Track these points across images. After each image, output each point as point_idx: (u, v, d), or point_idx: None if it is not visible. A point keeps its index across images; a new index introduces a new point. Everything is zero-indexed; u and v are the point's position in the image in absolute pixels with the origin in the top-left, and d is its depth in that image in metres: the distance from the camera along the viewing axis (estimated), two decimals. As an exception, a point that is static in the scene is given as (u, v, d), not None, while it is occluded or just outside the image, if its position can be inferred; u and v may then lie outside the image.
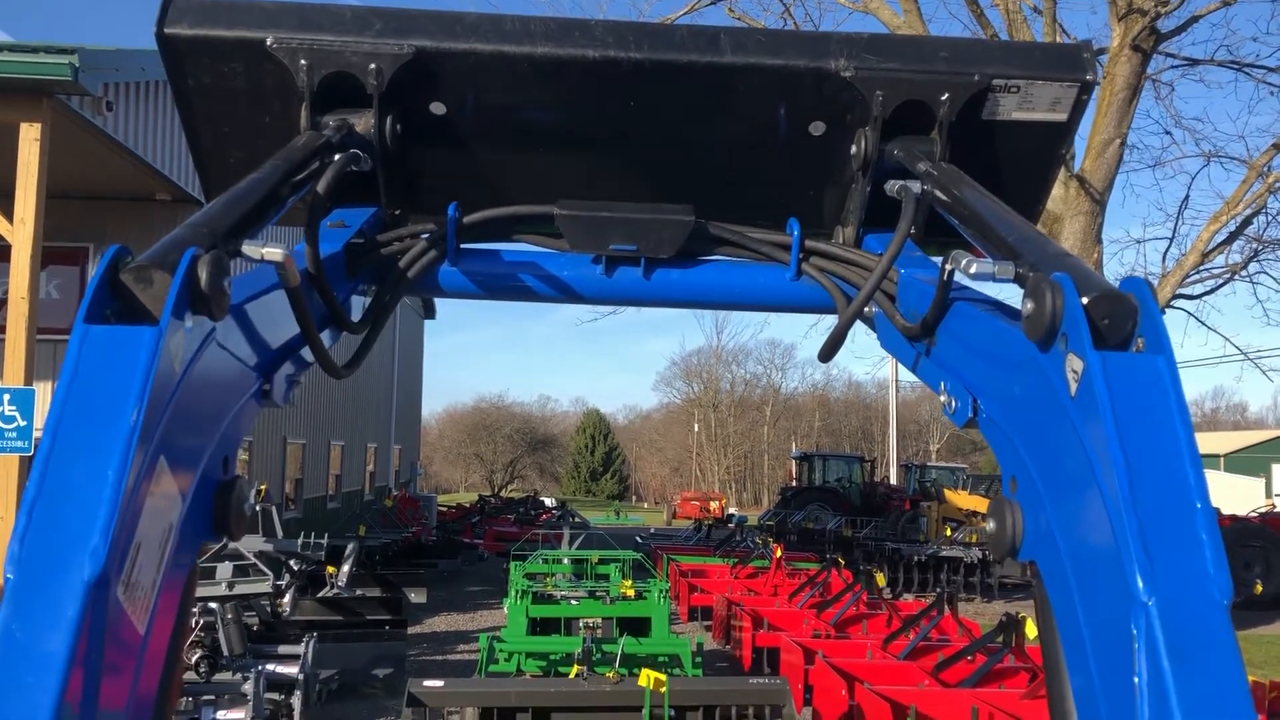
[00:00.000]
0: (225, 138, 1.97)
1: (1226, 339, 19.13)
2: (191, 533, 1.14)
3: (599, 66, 1.82)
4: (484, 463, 74.41)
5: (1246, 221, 15.54)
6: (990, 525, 1.25)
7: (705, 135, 1.92)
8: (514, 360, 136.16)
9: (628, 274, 1.88)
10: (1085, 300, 1.15)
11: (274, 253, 1.37)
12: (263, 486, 14.88)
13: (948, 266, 1.47)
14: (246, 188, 1.51)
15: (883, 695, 7.46)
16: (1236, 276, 16.55)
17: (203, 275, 1.15)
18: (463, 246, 1.85)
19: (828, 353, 1.83)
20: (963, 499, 27.91)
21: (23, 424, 9.51)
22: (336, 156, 1.74)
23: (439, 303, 37.57)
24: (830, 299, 1.84)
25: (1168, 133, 33.02)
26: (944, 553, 19.31)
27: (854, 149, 1.85)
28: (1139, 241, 35.01)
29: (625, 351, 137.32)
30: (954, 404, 1.46)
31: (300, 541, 12.49)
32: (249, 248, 1.35)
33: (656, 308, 1.85)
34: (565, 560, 13.92)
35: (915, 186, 1.74)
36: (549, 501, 34.79)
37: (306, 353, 1.58)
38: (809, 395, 76.32)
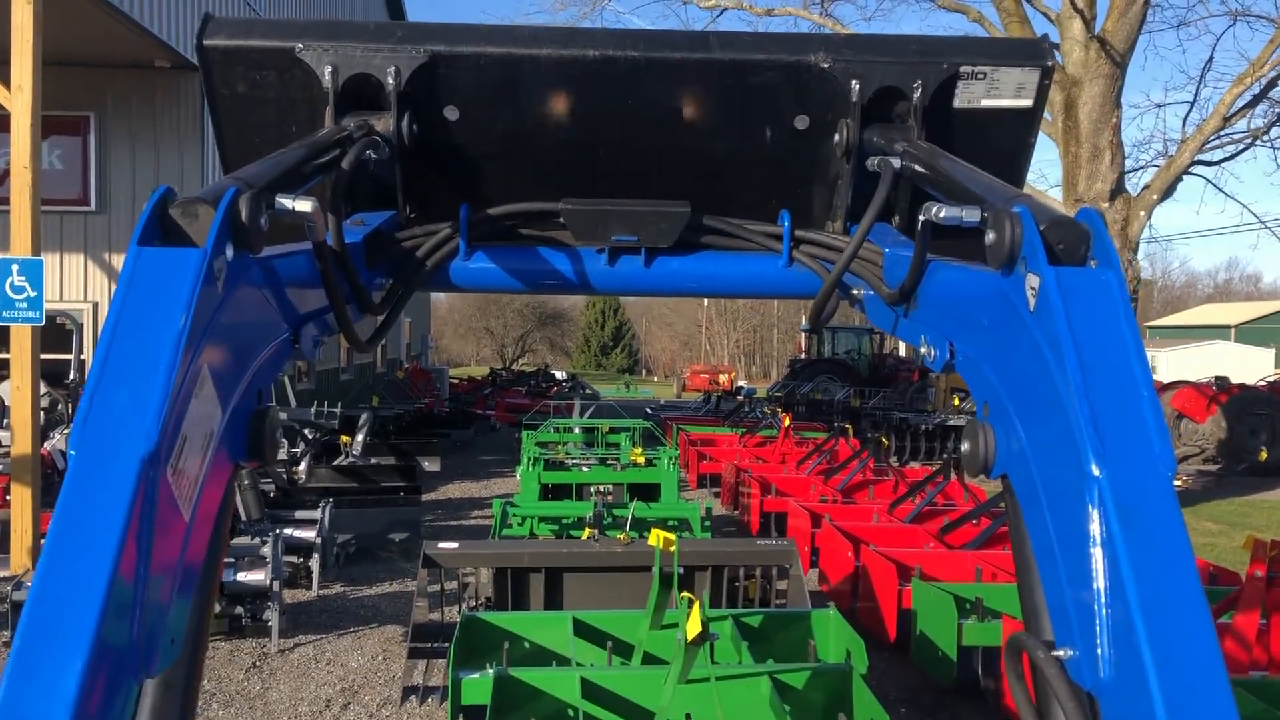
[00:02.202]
0: (254, 145, 2.07)
1: (1244, 206, 18.94)
2: (229, 449, 1.25)
3: (599, 65, 1.95)
4: (494, 337, 74.77)
5: (1271, 84, 15.12)
6: (965, 446, 1.36)
7: (700, 133, 2.02)
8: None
9: (629, 264, 1.99)
10: (1042, 227, 1.27)
11: (305, 204, 1.48)
12: (274, 356, 14.97)
13: (921, 217, 1.58)
14: (277, 158, 1.62)
15: (888, 557, 7.62)
16: (1258, 141, 16.20)
17: (243, 210, 1.28)
18: (474, 243, 1.97)
19: (814, 319, 1.96)
20: (971, 370, 28.02)
21: (33, 294, 9.52)
22: (358, 143, 1.86)
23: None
24: (821, 283, 1.98)
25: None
26: (951, 422, 19.46)
27: (837, 137, 1.97)
28: (1159, 106, 34.23)
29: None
30: (933, 352, 1.59)
31: (314, 410, 12.64)
32: (282, 199, 1.45)
33: (659, 297, 1.94)
34: (576, 429, 14.08)
35: (895, 161, 1.86)
36: (560, 375, 35.04)
37: (331, 319, 1.70)
38: (819, 268, 75.72)
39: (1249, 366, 31.73)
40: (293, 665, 7.46)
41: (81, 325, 13.82)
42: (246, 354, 1.35)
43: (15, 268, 9.43)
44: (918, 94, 1.96)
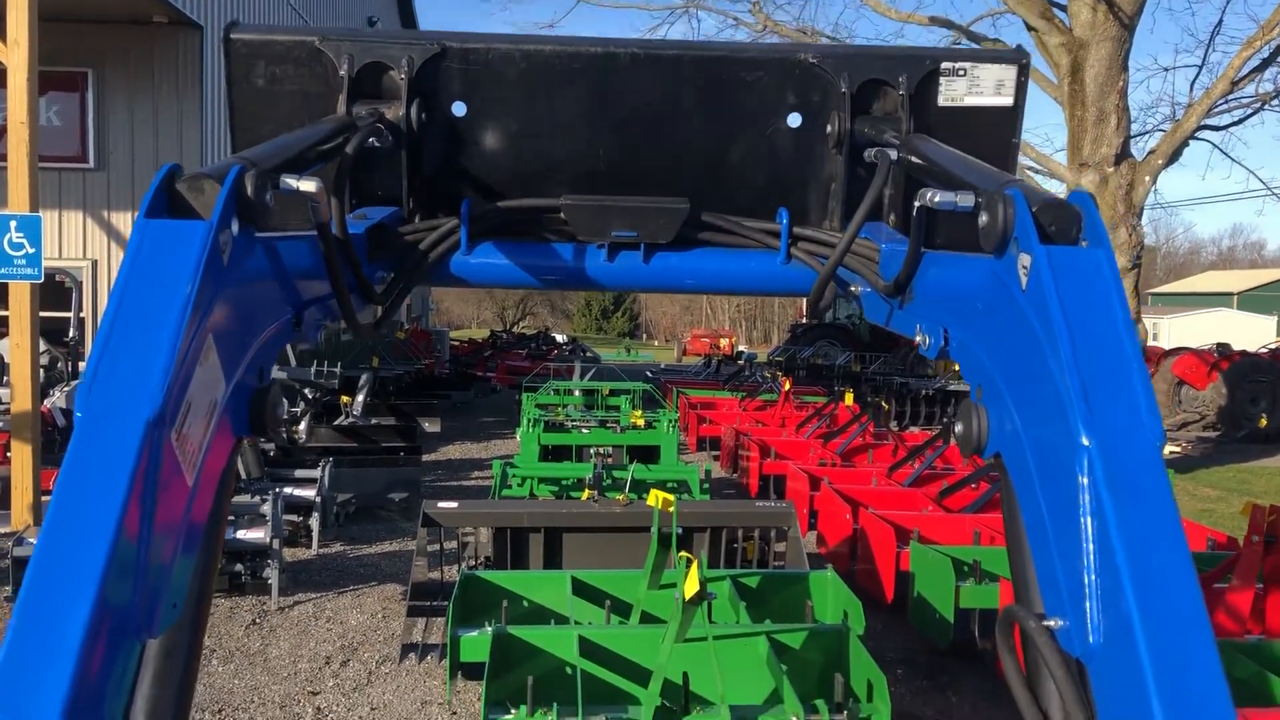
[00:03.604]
0: (268, 136, 2.11)
1: (1250, 171, 18.92)
2: (232, 421, 1.28)
3: (601, 60, 2.03)
4: (495, 300, 74.68)
5: (1280, 49, 14.97)
6: (958, 427, 1.38)
7: (697, 131, 2.08)
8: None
9: (629, 260, 2.02)
10: (1034, 209, 1.29)
11: (309, 184, 1.51)
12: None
13: (916, 204, 1.63)
14: (283, 141, 1.66)
15: (886, 519, 7.63)
16: (1266, 106, 16.08)
17: (249, 186, 1.31)
18: (476, 238, 2.01)
19: (811, 310, 2.01)
20: (972, 336, 28.01)
21: (31, 251, 9.48)
22: (361, 129, 1.94)
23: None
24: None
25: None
26: (951, 387, 19.48)
27: (829, 128, 2.03)
28: (1166, 69, 33.93)
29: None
30: (928, 340, 1.63)
31: (314, 370, 12.63)
32: (287, 179, 1.48)
33: (658, 293, 1.98)
34: (576, 391, 14.08)
35: (892, 153, 1.92)
36: (560, 338, 35.02)
37: (333, 305, 1.74)
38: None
39: (1251, 334, 31.70)
40: (292, 622, 7.50)
41: (80, 283, 13.79)
42: (250, 329, 1.37)
43: (13, 224, 9.38)
44: (903, 87, 2.02)
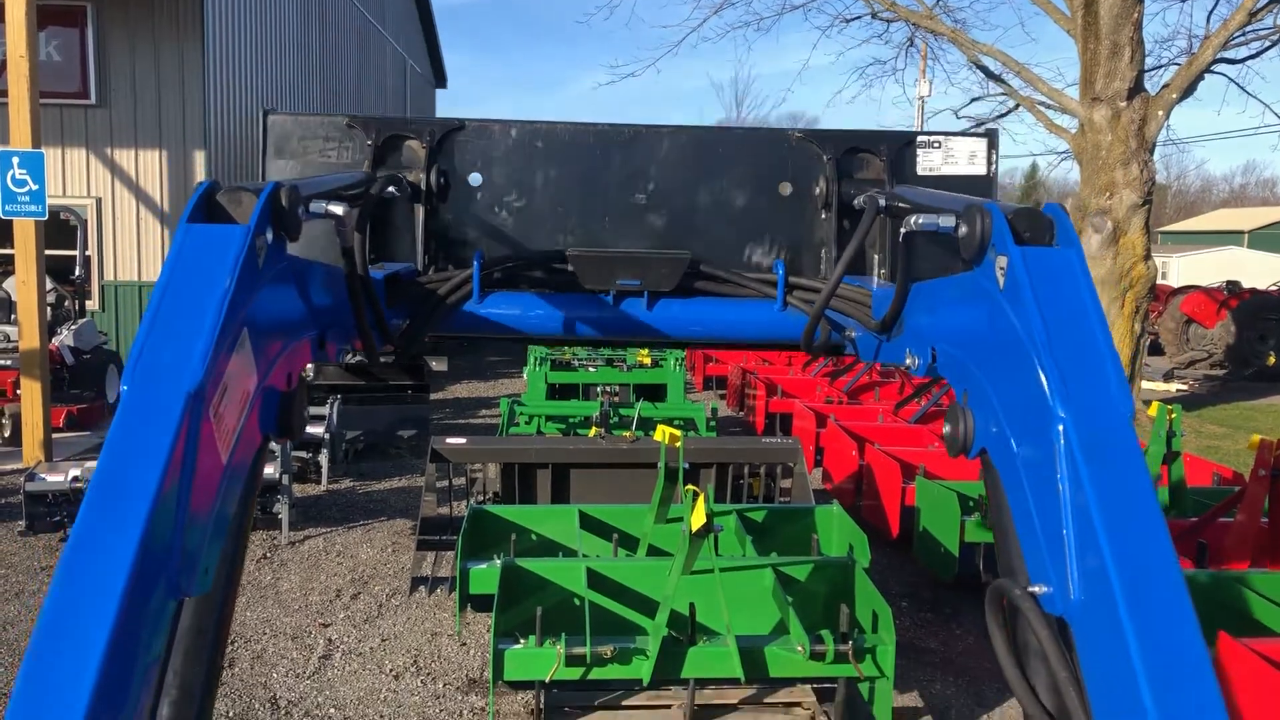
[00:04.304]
0: None
1: (1266, 106, 18.55)
2: (261, 417, 1.35)
3: (607, 134, 2.22)
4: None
5: (1300, -22, 14.66)
6: (946, 428, 1.46)
7: (698, 199, 2.25)
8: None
9: (633, 309, 2.13)
10: (1009, 216, 1.40)
11: (337, 207, 1.65)
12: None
13: (901, 231, 1.77)
14: (315, 178, 1.80)
15: (892, 455, 7.65)
16: (1284, 39, 15.78)
17: (283, 198, 1.43)
18: (487, 289, 2.12)
19: (806, 346, 2.10)
20: (981, 274, 27.87)
21: (35, 188, 9.43)
22: (385, 176, 2.13)
23: (450, 74, 36.52)
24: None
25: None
26: (959, 325, 19.43)
27: (817, 189, 2.20)
28: (1183, 0, 33.23)
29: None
30: (917, 361, 1.72)
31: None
32: (317, 202, 1.61)
33: (664, 344, 2.16)
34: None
35: (880, 200, 2.03)
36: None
37: (352, 333, 1.86)
38: (829, 171, 75.06)
39: (1261, 272, 31.48)
40: (303, 557, 7.58)
41: (85, 220, 13.74)
42: (279, 333, 1.45)
43: (16, 160, 9.32)
44: (884, 154, 2.20)
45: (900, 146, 2.24)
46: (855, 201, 2.19)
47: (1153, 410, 7.46)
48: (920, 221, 1.69)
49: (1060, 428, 1.16)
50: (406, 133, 2.23)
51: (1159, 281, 18.04)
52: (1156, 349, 21.39)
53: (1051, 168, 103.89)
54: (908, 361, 1.78)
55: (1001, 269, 1.36)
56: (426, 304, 2.11)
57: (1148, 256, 14.74)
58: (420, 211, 2.21)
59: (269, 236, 1.40)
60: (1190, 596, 1.06)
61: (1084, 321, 1.27)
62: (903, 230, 1.78)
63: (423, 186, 2.20)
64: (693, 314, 2.19)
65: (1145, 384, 15.82)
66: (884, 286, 2.01)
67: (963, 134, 2.34)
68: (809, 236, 2.24)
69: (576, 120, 2.27)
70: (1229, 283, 21.74)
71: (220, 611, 1.28)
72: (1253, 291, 21.21)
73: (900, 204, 2.00)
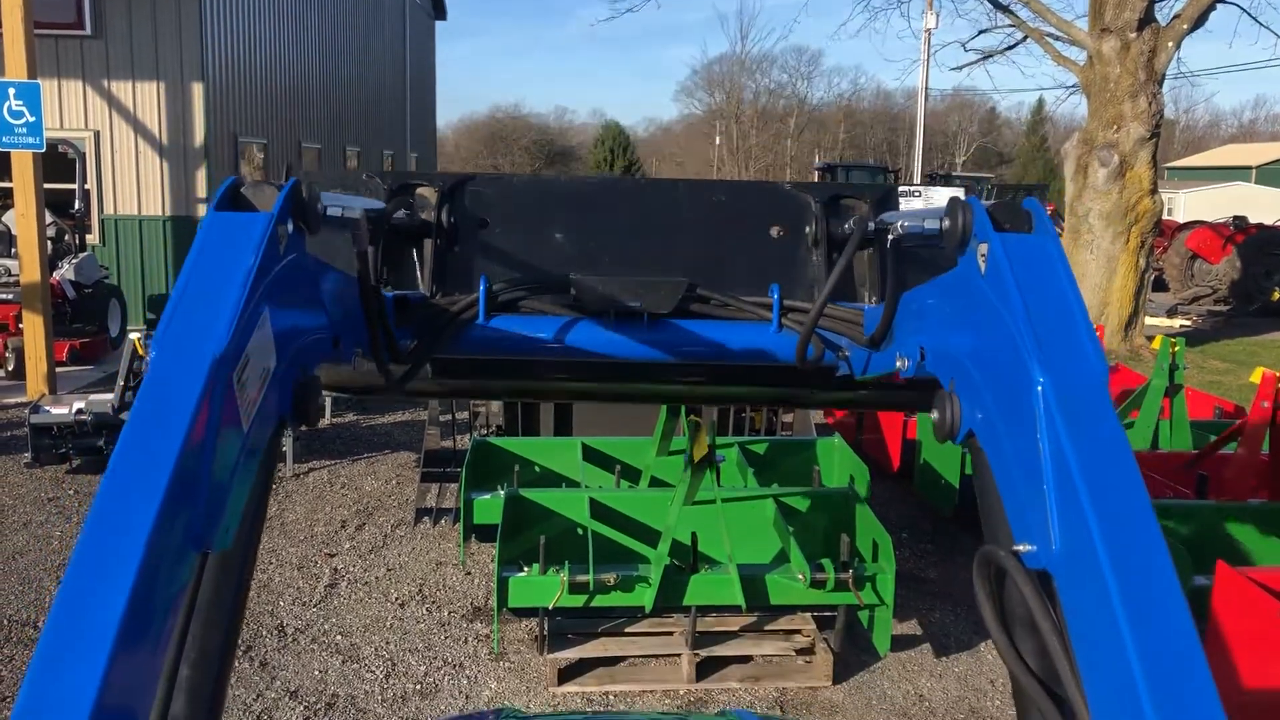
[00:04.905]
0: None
1: (1279, 36, 18.15)
2: (277, 399, 1.43)
3: (612, 187, 2.45)
4: (495, 155, 73.92)
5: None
6: (934, 415, 1.52)
7: (700, 243, 2.37)
8: (529, 68, 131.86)
9: (633, 332, 2.24)
10: (989, 207, 1.49)
11: (352, 210, 1.74)
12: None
13: (889, 238, 1.90)
14: (332, 193, 1.88)
15: (895, 388, 7.65)
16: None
17: (304, 190, 1.54)
18: (491, 313, 2.23)
19: (800, 359, 2.18)
20: (985, 209, 27.67)
21: (31, 119, 9.34)
22: (399, 195, 2.26)
23: (449, 6, 35.99)
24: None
25: None
26: (963, 261, 19.34)
27: (807, 229, 2.35)
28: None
29: (643, 59, 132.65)
30: (906, 363, 1.79)
31: (321, 243, 12.57)
32: (333, 206, 1.70)
33: (662, 362, 2.33)
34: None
35: (869, 224, 2.14)
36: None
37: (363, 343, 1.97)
38: (835, 107, 74.28)
39: (1269, 207, 31.21)
40: (308, 488, 7.63)
41: (84, 154, 13.63)
42: (297, 322, 1.54)
43: (12, 92, 9.22)
44: (867, 200, 2.32)
45: (882, 196, 2.39)
46: (844, 227, 2.35)
47: (1156, 343, 7.46)
48: (906, 225, 1.80)
49: (1039, 388, 1.23)
50: (419, 180, 2.37)
51: (1165, 218, 17.92)
52: (1160, 285, 21.31)
53: (1059, 102, 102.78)
54: (898, 365, 1.86)
55: (982, 255, 1.45)
56: (434, 324, 2.22)
57: (1154, 190, 14.62)
58: (429, 246, 2.34)
59: (290, 227, 1.51)
60: (1165, 540, 1.11)
61: (1060, 296, 1.35)
62: (889, 238, 1.90)
63: (433, 223, 2.37)
64: (691, 335, 2.30)
65: (1148, 320, 15.77)
66: (876, 306, 2.13)
67: (946, 180, 2.36)
68: (801, 272, 2.40)
69: (583, 176, 2.44)
70: (1235, 218, 21.58)
71: (240, 575, 1.36)
72: (1259, 226, 21.05)
73: (886, 224, 2.14)
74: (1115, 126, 14.13)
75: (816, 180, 41.03)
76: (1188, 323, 18.44)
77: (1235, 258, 20.23)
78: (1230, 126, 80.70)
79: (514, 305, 2.32)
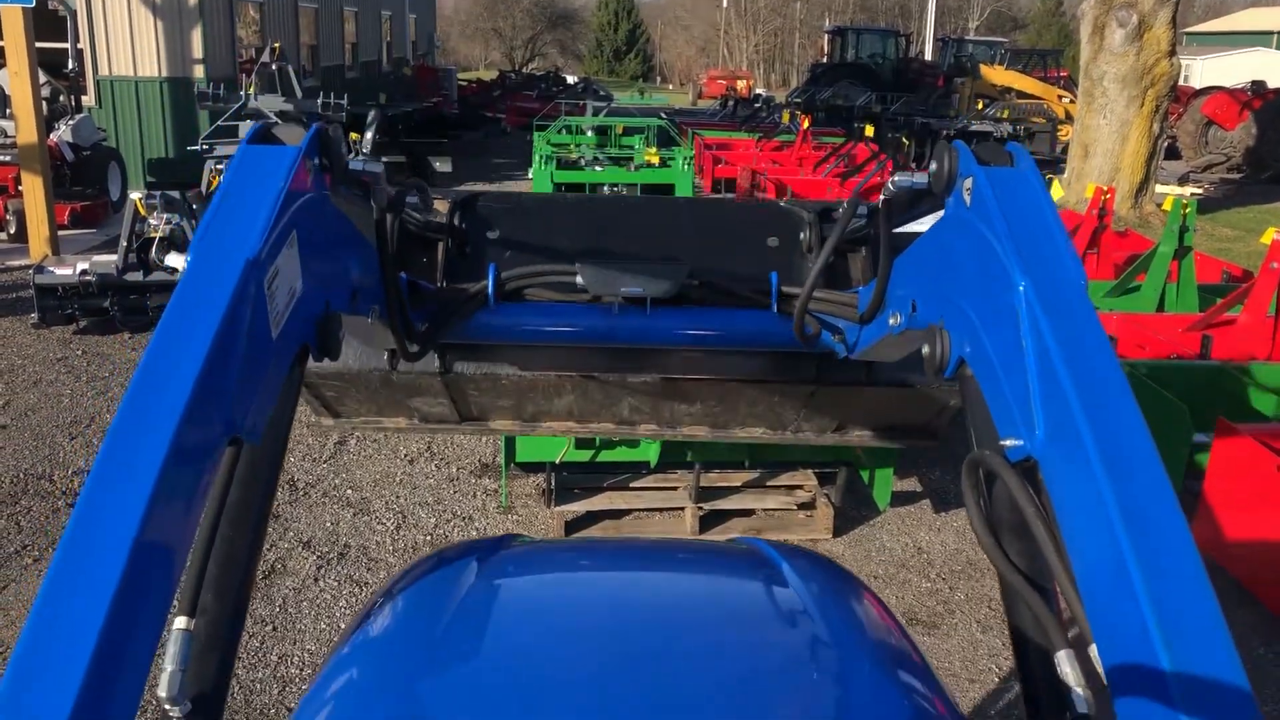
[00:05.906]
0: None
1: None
2: (300, 326, 1.50)
3: (616, 203, 2.57)
4: (503, 39, 71.96)
5: None
6: (924, 349, 1.60)
7: (699, 252, 2.50)
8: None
9: (636, 317, 2.31)
10: (974, 150, 1.59)
11: (375, 166, 1.83)
12: (276, 45, 14.45)
13: (882, 197, 1.97)
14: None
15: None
16: None
17: (330, 132, 1.64)
18: (500, 300, 2.34)
19: (799, 336, 2.28)
20: (999, 74, 27.03)
21: (19, -28, 9.06)
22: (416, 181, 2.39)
23: None
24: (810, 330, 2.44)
25: None
26: (974, 127, 18.96)
27: (802, 235, 2.48)
28: None
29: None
30: (899, 317, 1.87)
31: (320, 102, 12.34)
32: (354, 164, 1.76)
33: (667, 348, 2.47)
34: (589, 131, 13.77)
35: (863, 208, 2.27)
36: (571, 79, 33.95)
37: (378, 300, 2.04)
38: (846, -33, 71.81)
39: (1288, 74, 30.46)
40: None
41: (75, 10, 13.27)
42: (321, 255, 1.60)
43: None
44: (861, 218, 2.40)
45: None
46: (833, 215, 2.47)
47: (1167, 204, 7.37)
48: (897, 180, 1.88)
49: (1021, 289, 1.30)
50: (434, 194, 2.51)
51: (1181, 84, 17.52)
52: (1173, 154, 20.96)
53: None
54: (891, 321, 1.92)
55: (968, 189, 1.53)
56: (445, 308, 2.32)
57: (1172, 53, 14.27)
58: (440, 248, 2.47)
59: (316, 163, 1.61)
60: (1145, 420, 1.16)
61: (1040, 216, 1.43)
62: (882, 197, 1.98)
63: (447, 224, 2.50)
64: (692, 319, 2.38)
65: (1159, 188, 15.55)
66: (868, 286, 2.23)
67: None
68: (797, 273, 2.52)
69: (592, 195, 2.43)
70: (1254, 83, 21.08)
71: (266, 480, 1.43)
72: (1277, 92, 20.60)
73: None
74: (1136, -15, 13.69)
75: (826, 41, 40.37)
76: (1199, 190, 18.21)
77: (1251, 124, 19.85)
78: (1252, -11, 78.16)
79: (522, 294, 2.40)
